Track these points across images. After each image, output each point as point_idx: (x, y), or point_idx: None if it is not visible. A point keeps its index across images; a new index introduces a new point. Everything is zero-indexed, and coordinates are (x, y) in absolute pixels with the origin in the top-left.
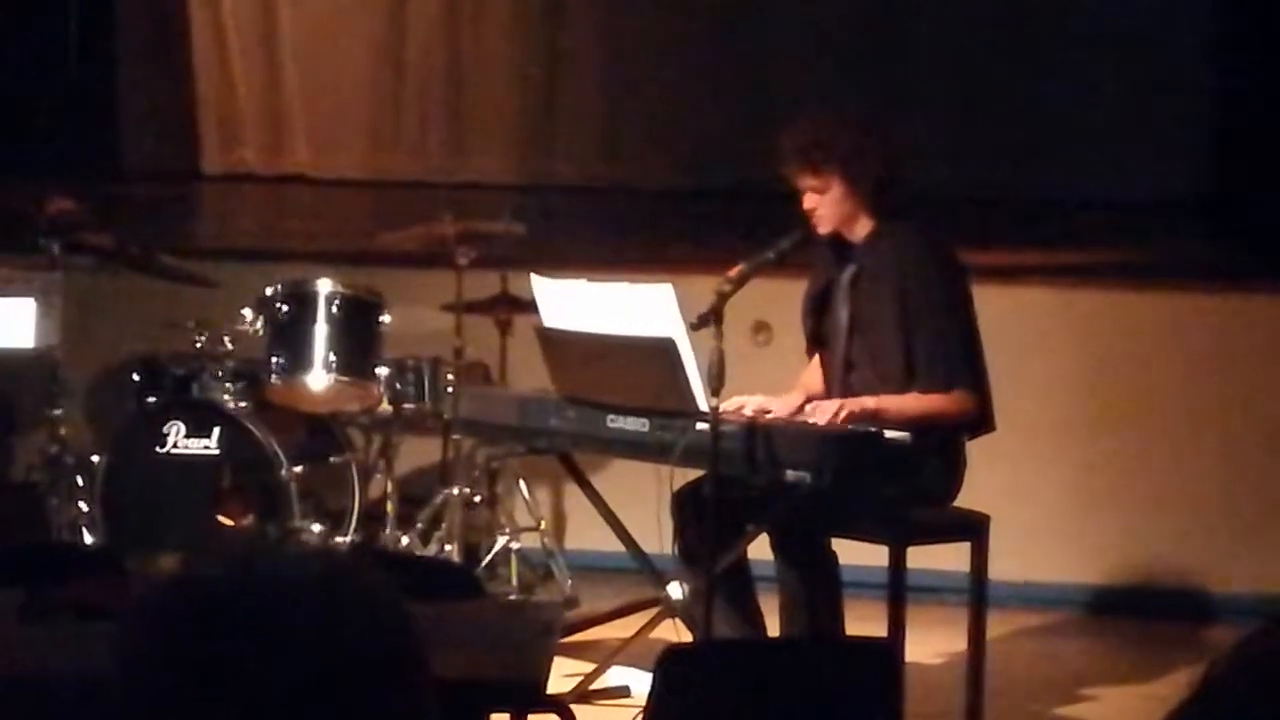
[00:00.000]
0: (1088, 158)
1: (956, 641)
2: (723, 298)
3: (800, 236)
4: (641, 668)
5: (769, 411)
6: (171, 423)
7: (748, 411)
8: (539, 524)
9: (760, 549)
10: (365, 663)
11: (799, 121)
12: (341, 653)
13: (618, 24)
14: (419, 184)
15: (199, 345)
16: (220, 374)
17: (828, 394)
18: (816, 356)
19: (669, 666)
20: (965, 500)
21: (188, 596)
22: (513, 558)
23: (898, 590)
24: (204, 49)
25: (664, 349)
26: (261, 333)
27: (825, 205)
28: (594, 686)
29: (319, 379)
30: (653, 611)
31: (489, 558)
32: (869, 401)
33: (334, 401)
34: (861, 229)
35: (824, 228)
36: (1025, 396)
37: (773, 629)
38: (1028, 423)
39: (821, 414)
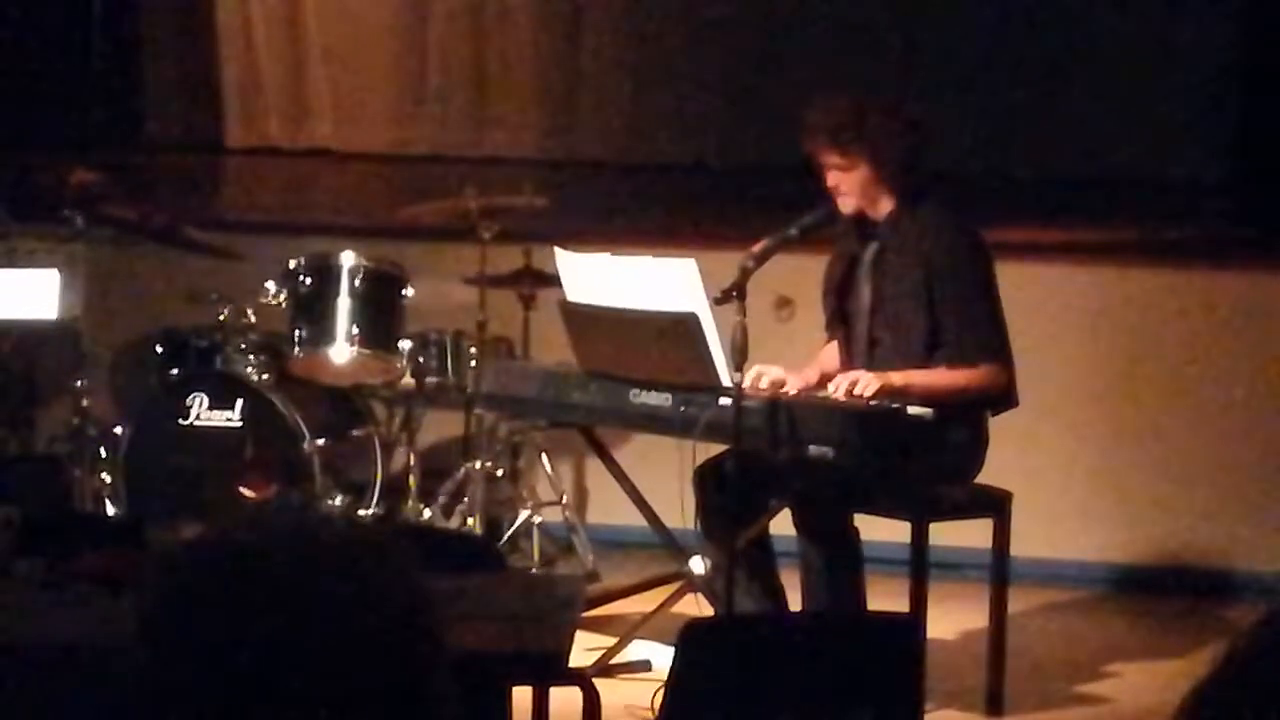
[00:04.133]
0: (1108, 134)
1: (978, 618)
2: (746, 273)
3: (823, 212)
4: (663, 642)
5: (784, 383)
6: (194, 394)
7: (765, 381)
8: (561, 498)
9: (782, 524)
10: (382, 631)
11: (827, 100)
12: (360, 619)
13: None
14: (442, 158)
15: (222, 318)
16: (243, 346)
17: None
18: (834, 341)
19: (690, 641)
20: (987, 477)
21: (208, 560)
22: (535, 532)
23: (919, 566)
24: (228, 21)
25: (687, 324)
26: (284, 305)
27: (850, 184)
28: (615, 660)
29: (341, 352)
30: (674, 586)
31: (511, 531)
32: (895, 377)
33: (356, 374)
34: (884, 207)
35: (848, 207)
36: (1048, 373)
37: (794, 604)
38: (1050, 399)
39: (849, 383)
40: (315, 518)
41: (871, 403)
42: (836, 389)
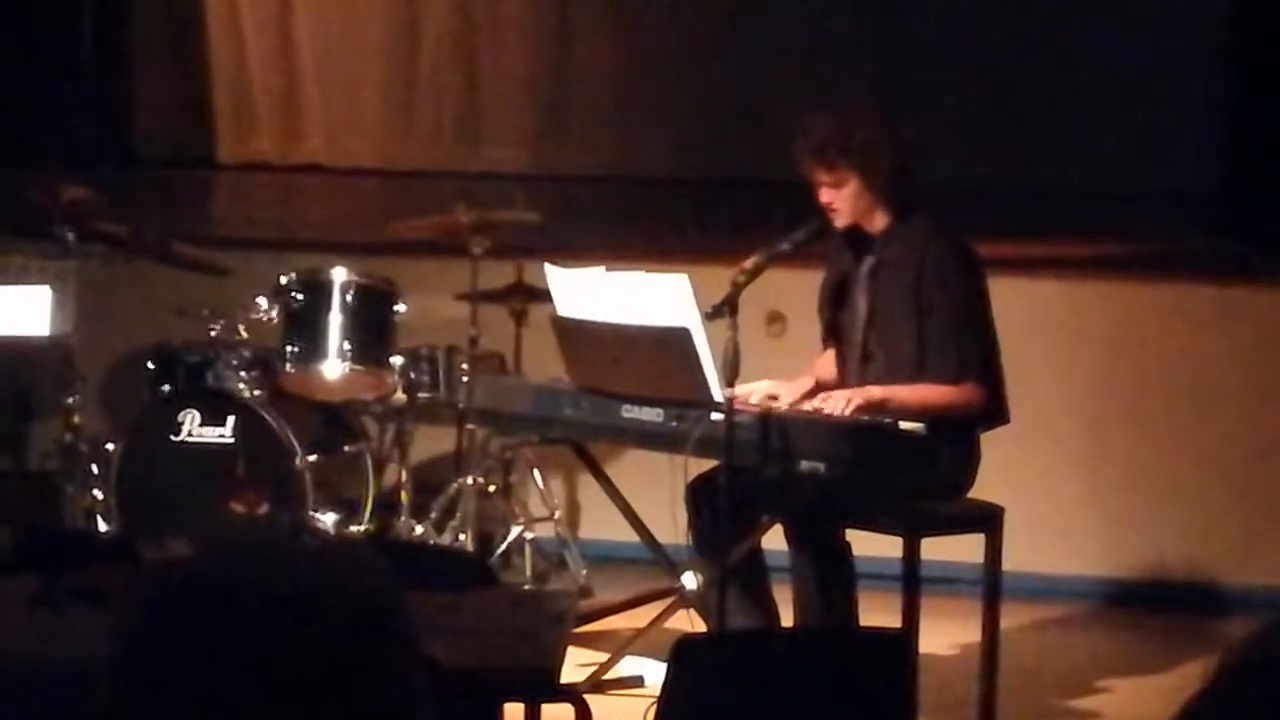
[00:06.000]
0: (1100, 148)
1: (970, 633)
2: (738, 288)
3: (816, 227)
4: (655, 658)
5: (776, 397)
6: (186, 411)
7: (755, 399)
8: (553, 513)
9: (775, 539)
10: (356, 649)
11: (814, 117)
12: (336, 643)
13: (631, 13)
14: (433, 173)
15: (214, 333)
16: (235, 362)
17: (842, 385)
18: (831, 349)
19: (683, 656)
20: (979, 492)
21: (183, 582)
22: (527, 547)
23: (911, 581)
24: (219, 37)
25: (679, 339)
26: (276, 321)
27: (842, 200)
28: (608, 676)
29: (333, 368)
30: (667, 601)
31: (503, 547)
32: (877, 391)
33: (348, 390)
34: (879, 221)
35: (841, 221)
36: (1039, 389)
37: (787, 620)
38: (1042, 415)
39: (832, 404)
40: (284, 532)
41: (863, 418)
42: (823, 407)
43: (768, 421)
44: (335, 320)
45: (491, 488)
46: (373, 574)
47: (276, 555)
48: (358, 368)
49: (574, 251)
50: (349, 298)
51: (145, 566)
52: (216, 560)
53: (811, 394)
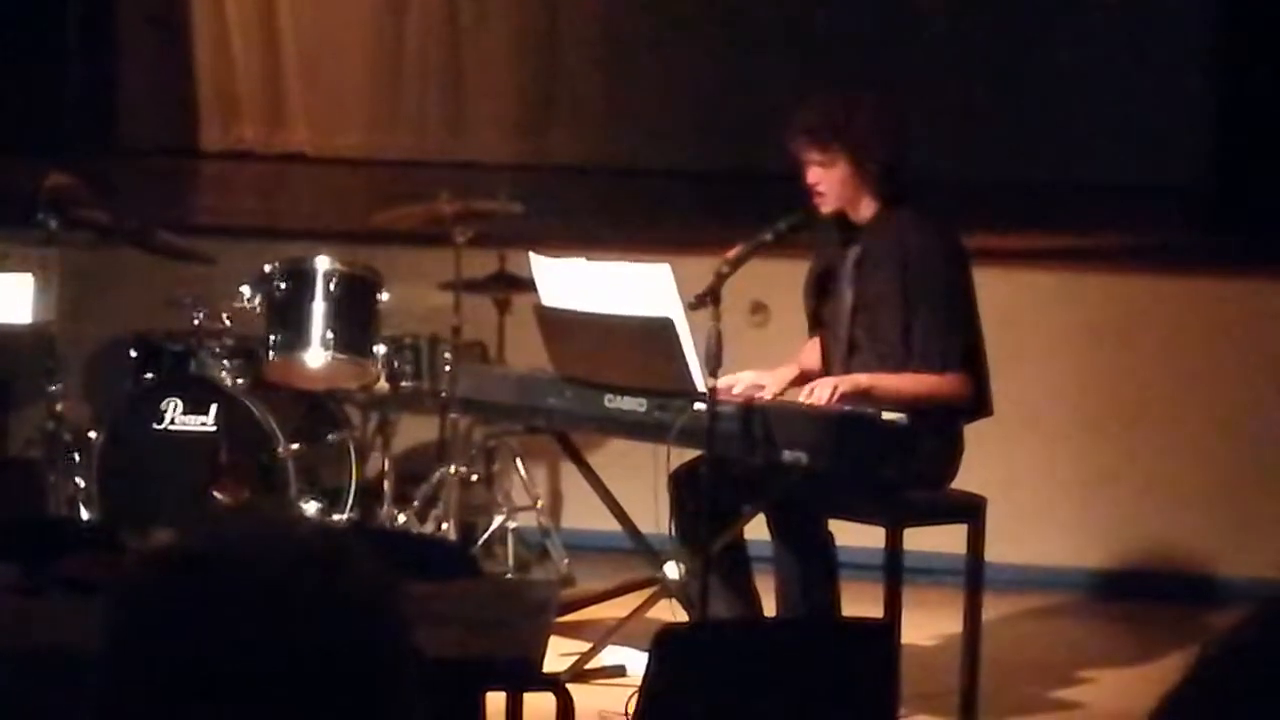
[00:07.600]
0: (1089, 141)
1: (952, 623)
2: (721, 278)
3: (799, 217)
4: (637, 647)
5: (761, 388)
6: (168, 399)
7: (738, 390)
8: (536, 503)
9: (757, 529)
10: (348, 633)
11: (813, 98)
12: (329, 631)
13: (617, 4)
14: (417, 163)
15: (196, 322)
16: (218, 351)
17: (827, 375)
18: (816, 338)
19: (665, 646)
20: (962, 483)
21: (176, 569)
22: (509, 536)
23: (894, 572)
24: (203, 26)
25: (662, 329)
26: (259, 310)
27: (828, 182)
28: (590, 666)
29: (317, 356)
30: (649, 591)
31: (485, 536)
32: (862, 378)
33: (331, 379)
34: (865, 210)
35: (826, 206)
36: (1024, 379)
37: (769, 610)
38: (1026, 406)
39: (818, 392)
40: (277, 520)
41: (845, 408)
42: (807, 396)
43: (750, 412)
44: (318, 309)
45: (474, 477)
46: (367, 563)
47: (270, 545)
48: (341, 356)
49: (558, 241)
50: (332, 286)
51: (137, 555)
52: (209, 549)
53: (797, 381)
